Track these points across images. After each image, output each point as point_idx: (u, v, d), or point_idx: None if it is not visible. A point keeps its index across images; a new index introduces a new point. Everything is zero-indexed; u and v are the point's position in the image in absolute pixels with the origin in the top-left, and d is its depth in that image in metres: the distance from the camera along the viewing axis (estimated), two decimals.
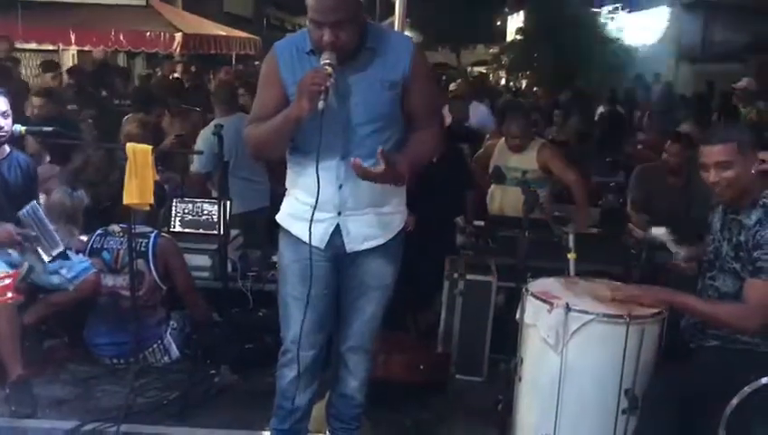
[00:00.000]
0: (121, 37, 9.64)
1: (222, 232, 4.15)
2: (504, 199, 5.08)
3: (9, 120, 3.66)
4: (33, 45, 10.62)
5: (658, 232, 3.39)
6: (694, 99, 8.80)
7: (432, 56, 20.70)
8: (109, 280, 4.00)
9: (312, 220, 2.58)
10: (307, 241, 2.61)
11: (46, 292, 3.85)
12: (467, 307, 4.02)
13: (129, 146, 3.50)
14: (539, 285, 3.04)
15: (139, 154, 3.46)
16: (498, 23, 22.16)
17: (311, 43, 2.52)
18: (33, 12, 9.78)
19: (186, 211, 4.72)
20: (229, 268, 4.27)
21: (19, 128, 3.69)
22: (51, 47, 10.78)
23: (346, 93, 2.54)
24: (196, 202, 4.73)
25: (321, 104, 2.39)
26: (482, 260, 4.27)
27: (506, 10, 22.00)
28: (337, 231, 2.68)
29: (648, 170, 5.10)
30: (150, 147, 3.52)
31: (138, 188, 3.44)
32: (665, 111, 7.92)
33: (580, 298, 2.88)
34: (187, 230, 4.64)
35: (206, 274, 4.41)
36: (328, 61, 2.41)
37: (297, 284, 2.71)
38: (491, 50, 21.22)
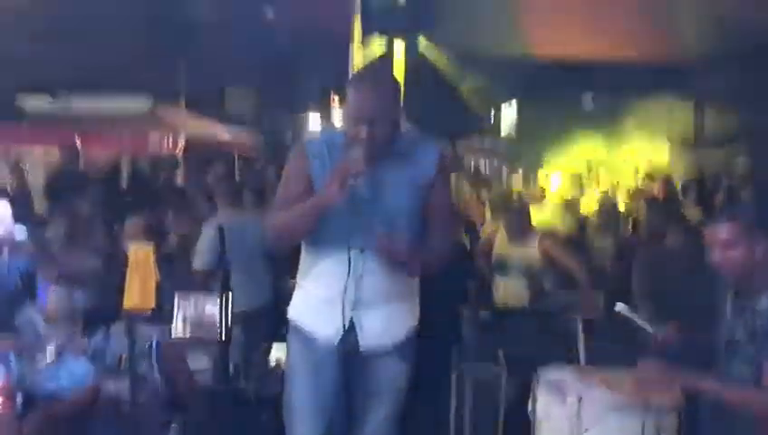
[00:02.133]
0: (124, 142, 9.83)
1: (223, 332, 4.11)
2: (509, 290, 5.06)
3: (10, 223, 3.68)
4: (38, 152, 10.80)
5: (621, 308, 3.32)
6: (693, 184, 8.88)
7: None
8: (110, 385, 3.90)
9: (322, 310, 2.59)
10: (320, 336, 2.58)
11: (44, 401, 3.75)
12: (477, 399, 3.92)
13: (131, 247, 3.50)
14: (550, 375, 2.97)
15: (140, 256, 3.46)
16: (493, 113, 22.55)
17: (344, 139, 2.59)
18: (41, 120, 10.01)
19: (187, 310, 4.68)
20: (231, 370, 4.20)
21: (21, 233, 3.70)
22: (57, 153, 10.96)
23: (374, 189, 2.57)
24: (199, 298, 4.69)
25: (353, 183, 2.45)
26: (490, 351, 4.20)
27: (500, 101, 22.43)
28: (351, 327, 2.62)
29: (651, 260, 5.07)
30: (152, 248, 3.51)
31: (139, 291, 3.41)
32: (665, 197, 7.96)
33: (594, 388, 2.80)
34: (189, 333, 4.60)
35: (207, 375, 4.33)
36: (360, 154, 2.47)
37: (307, 384, 2.64)
38: (486, 140, 21.53)
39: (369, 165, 2.47)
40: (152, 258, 3.46)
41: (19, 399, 3.55)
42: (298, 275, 2.76)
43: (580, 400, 2.68)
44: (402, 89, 2.65)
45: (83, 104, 10.13)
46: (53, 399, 3.72)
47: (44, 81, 9.98)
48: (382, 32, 4.38)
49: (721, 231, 2.73)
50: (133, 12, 9.32)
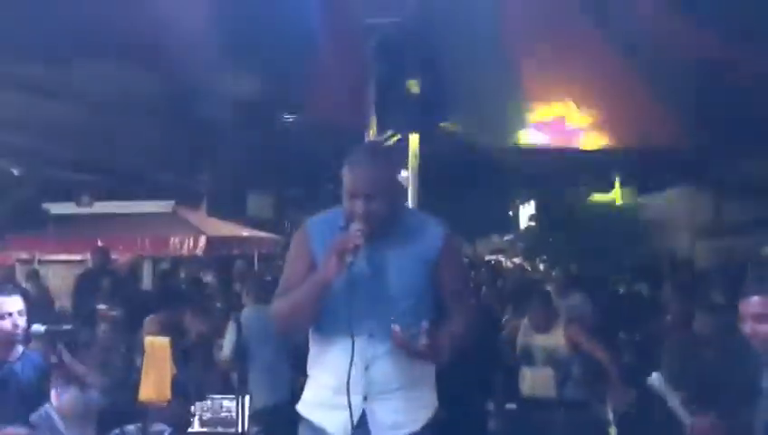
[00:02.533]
0: (147, 243, 9.94)
1: (241, 430, 4.01)
2: (535, 380, 4.90)
3: (24, 319, 3.65)
4: (63, 257, 10.95)
5: (655, 379, 3.18)
6: (718, 271, 8.73)
7: None
8: None
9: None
10: (331, 431, 2.45)
11: None
12: None
13: (148, 339, 3.46)
14: None
15: (157, 348, 3.41)
16: (510, 212, 22.69)
17: (343, 219, 2.53)
18: (65, 224, 10.18)
19: (205, 409, 4.60)
20: None
21: (39, 328, 3.68)
22: (79, 258, 11.10)
23: (378, 268, 2.49)
24: (216, 399, 4.62)
25: (349, 258, 2.36)
26: None
27: (517, 201, 22.62)
28: (363, 419, 2.47)
29: (679, 344, 4.93)
30: (168, 340, 3.47)
31: (154, 384, 3.35)
32: (689, 284, 7.81)
33: None
34: (205, 430, 4.51)
35: None
36: (359, 227, 2.42)
37: None
38: (505, 238, 21.55)
39: (367, 240, 2.41)
40: (168, 351, 3.40)
41: None
42: (308, 366, 2.66)
43: None
44: (407, 175, 2.67)
45: (107, 209, 10.33)
46: None
47: (69, 187, 10.22)
48: (397, 128, 4.43)
49: (754, 304, 2.69)
50: (156, 115, 9.60)
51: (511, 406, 4.57)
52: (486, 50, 4.07)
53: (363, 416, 2.46)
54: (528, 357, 4.89)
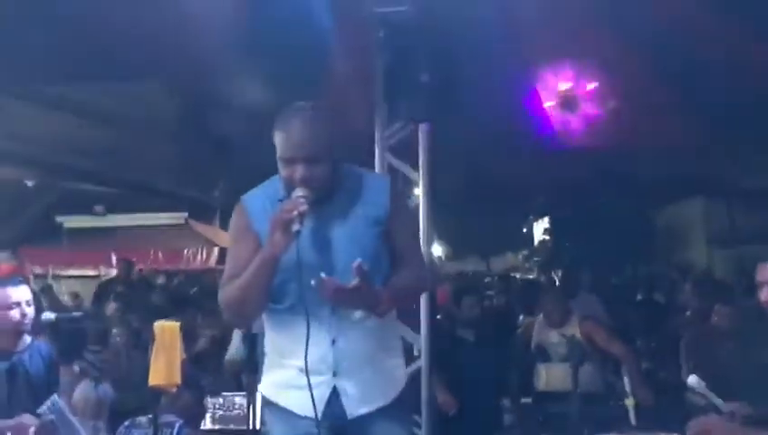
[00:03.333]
0: (160, 256, 9.98)
1: (252, 427, 3.96)
2: (551, 376, 4.83)
3: (32, 309, 3.63)
4: (74, 272, 10.98)
5: (694, 381, 3.12)
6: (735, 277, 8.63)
7: (463, 265, 20.95)
8: None
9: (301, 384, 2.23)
10: (301, 412, 2.29)
11: None
12: None
13: (158, 324, 3.42)
14: None
15: (167, 332, 3.37)
16: (524, 229, 22.59)
17: (282, 188, 2.33)
18: (78, 237, 10.24)
19: (217, 406, 4.56)
20: None
21: (49, 316, 3.66)
22: (92, 272, 11.15)
23: (327, 236, 2.32)
24: (227, 396, 4.58)
25: (295, 226, 2.16)
26: None
27: (531, 217, 22.53)
28: (335, 396, 2.31)
29: (699, 337, 4.86)
30: (178, 324, 3.43)
31: (165, 368, 3.30)
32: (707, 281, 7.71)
33: None
34: (218, 427, 4.46)
35: None
36: (301, 193, 2.24)
37: None
38: (520, 255, 21.45)
39: (311, 207, 2.23)
40: (178, 335, 3.36)
41: None
42: (265, 348, 2.45)
43: None
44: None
45: (120, 221, 10.38)
46: None
47: (83, 199, 10.27)
48: (407, 118, 4.38)
49: None
50: (169, 129, 9.65)
51: (526, 400, 4.50)
52: (497, 38, 4.06)
53: (335, 393, 2.31)
54: (543, 354, 4.81)
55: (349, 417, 2.31)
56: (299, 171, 2.25)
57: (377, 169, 4.36)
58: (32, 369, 3.64)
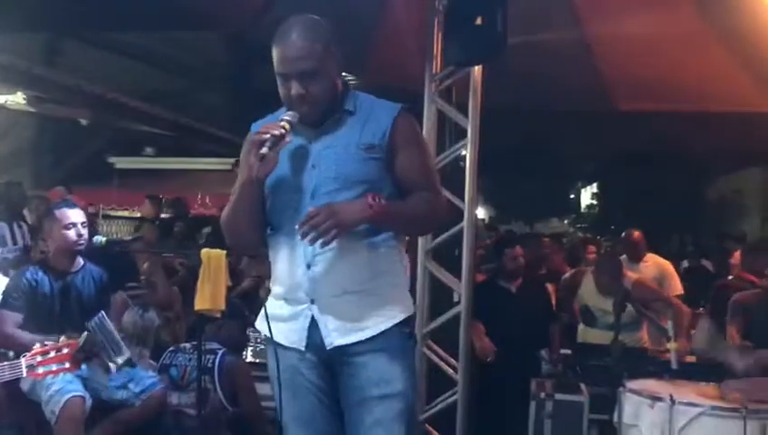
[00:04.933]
0: (207, 200, 10.14)
1: None
2: (595, 337, 4.77)
3: (86, 231, 3.73)
4: (125, 213, 11.24)
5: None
6: None
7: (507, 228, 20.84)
8: (174, 398, 3.86)
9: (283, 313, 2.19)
10: (287, 343, 2.19)
11: (112, 409, 3.72)
12: (557, 430, 3.64)
13: (204, 251, 3.49)
14: (637, 383, 2.73)
15: (213, 259, 3.44)
16: (572, 196, 22.35)
17: (284, 106, 2.20)
18: (129, 178, 10.44)
19: (258, 340, 4.63)
20: None
21: (100, 239, 3.77)
22: (139, 214, 11.38)
23: (315, 160, 2.19)
24: None
25: (263, 150, 2.05)
26: (571, 381, 3.94)
27: (579, 184, 22.25)
28: (314, 325, 2.18)
29: (745, 298, 4.75)
30: (224, 252, 3.49)
31: (210, 293, 3.39)
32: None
33: (686, 394, 2.56)
34: (259, 361, 4.53)
35: (274, 404, 4.20)
36: (287, 117, 2.13)
37: (289, 399, 2.22)
38: (565, 220, 21.24)
39: (307, 128, 2.15)
40: (224, 262, 3.43)
41: (89, 403, 3.52)
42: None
43: (672, 401, 2.43)
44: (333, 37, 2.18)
45: (170, 164, 10.54)
46: (121, 405, 3.69)
47: (135, 141, 10.45)
48: (460, 59, 4.32)
49: None
50: (221, 77, 9.74)
51: (566, 352, 4.48)
52: None
53: (314, 322, 2.18)
54: (590, 319, 4.75)
55: (327, 347, 2.17)
56: (295, 87, 2.12)
57: (425, 115, 4.33)
58: (84, 290, 3.77)
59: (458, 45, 4.16)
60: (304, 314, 2.17)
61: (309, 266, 2.14)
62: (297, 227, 2.05)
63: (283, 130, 2.08)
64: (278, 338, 2.22)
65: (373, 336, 2.16)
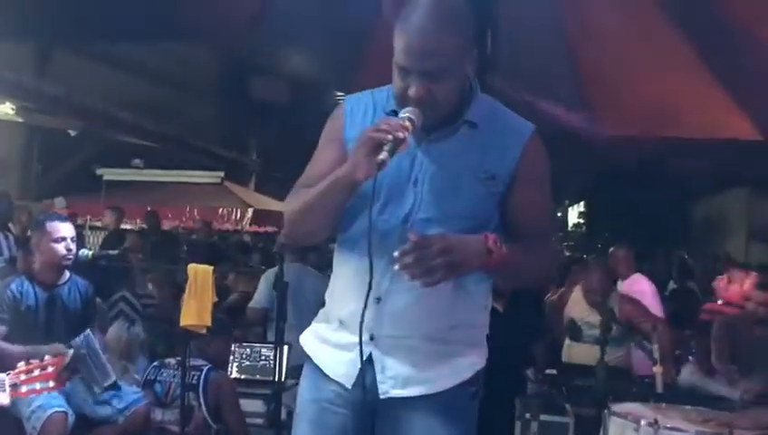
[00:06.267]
0: (195, 213, 10.11)
1: (278, 378, 4.00)
2: (580, 355, 4.78)
3: (75, 245, 3.73)
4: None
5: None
6: None
7: None
8: (158, 414, 3.82)
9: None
10: (332, 374, 1.88)
11: (96, 425, 3.69)
12: None
13: (191, 266, 3.48)
14: (622, 407, 2.74)
15: (200, 275, 3.44)
16: (559, 214, 22.51)
17: (395, 100, 1.83)
18: (116, 190, 10.41)
19: (243, 356, 4.61)
20: (284, 416, 4.06)
21: (86, 252, 3.75)
22: (128, 226, 11.34)
23: (419, 175, 1.81)
24: (255, 346, 4.63)
25: (383, 155, 1.67)
26: (556, 401, 3.94)
27: (566, 202, 22.42)
28: (369, 364, 1.83)
29: (730, 319, 4.80)
30: (211, 268, 3.49)
31: (196, 309, 3.38)
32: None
33: (671, 418, 2.57)
34: (243, 377, 4.52)
35: (259, 420, 4.19)
36: (408, 115, 1.73)
37: (309, 432, 1.92)
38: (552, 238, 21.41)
39: (420, 134, 1.78)
40: (211, 278, 3.43)
41: (71, 419, 3.49)
42: (327, 291, 2.03)
43: (657, 425, 2.45)
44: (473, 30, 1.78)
45: (158, 176, 10.52)
46: (105, 422, 3.66)
47: (123, 153, 10.43)
48: None
49: None
50: (210, 89, 9.77)
51: (551, 371, 4.47)
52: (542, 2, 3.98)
53: (369, 360, 1.83)
54: (576, 333, 4.76)
55: (381, 395, 1.83)
56: (414, 87, 1.73)
57: None
58: (69, 302, 3.76)
59: None
60: (360, 349, 1.80)
61: (379, 300, 1.80)
62: (396, 254, 1.65)
63: (405, 133, 1.70)
64: (322, 365, 1.91)
65: (436, 393, 1.83)
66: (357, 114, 1.89)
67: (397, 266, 1.67)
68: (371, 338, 1.81)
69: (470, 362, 1.87)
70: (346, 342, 1.84)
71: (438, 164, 1.80)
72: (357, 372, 1.83)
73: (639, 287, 6.00)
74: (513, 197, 1.81)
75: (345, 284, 1.87)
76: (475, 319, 1.90)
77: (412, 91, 1.73)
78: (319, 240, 2.03)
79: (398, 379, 1.82)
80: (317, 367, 1.91)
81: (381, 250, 1.74)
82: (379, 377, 1.82)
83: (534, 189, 1.83)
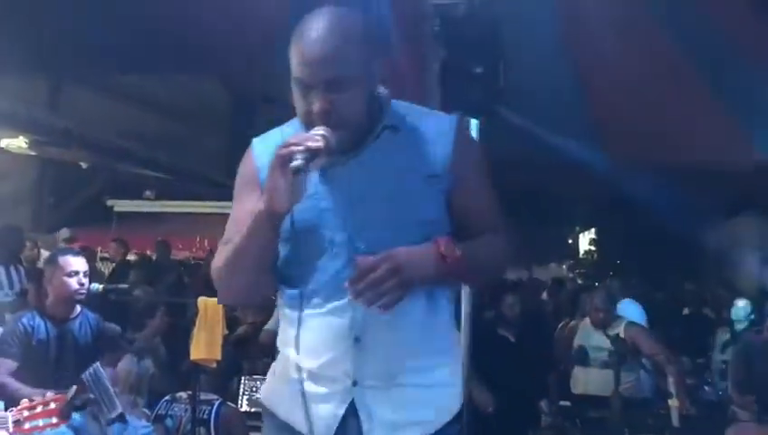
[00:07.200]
0: (206, 244, 10.14)
1: None
2: (589, 381, 4.74)
3: (87, 280, 3.73)
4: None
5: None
6: None
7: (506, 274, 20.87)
8: None
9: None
10: (302, 430, 1.67)
11: None
12: None
13: (201, 300, 3.47)
14: None
15: (210, 308, 3.42)
16: (570, 241, 22.42)
17: (300, 124, 1.67)
18: (127, 221, 10.46)
19: (254, 389, 4.58)
20: None
21: (97, 286, 3.75)
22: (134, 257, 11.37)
23: (359, 193, 1.65)
24: (263, 379, 4.59)
25: (297, 162, 1.51)
26: (571, 434, 3.89)
27: (577, 229, 22.37)
28: (352, 413, 1.66)
29: (751, 348, 4.74)
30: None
31: (206, 343, 3.36)
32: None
33: None
34: (254, 410, 4.48)
35: None
36: (323, 131, 1.58)
37: None
38: (563, 266, 21.25)
39: (336, 152, 1.61)
40: (221, 312, 3.41)
41: None
42: (278, 341, 1.81)
43: None
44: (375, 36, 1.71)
45: (168, 208, 10.57)
46: None
47: (134, 184, 10.49)
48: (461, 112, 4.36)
49: None
50: (220, 120, 9.83)
51: (565, 404, 4.44)
52: (553, 34, 4.01)
53: (353, 409, 1.66)
54: (583, 358, 4.73)
55: None
56: (318, 102, 1.60)
57: None
58: (80, 337, 3.75)
59: (459, 95, 4.20)
60: (341, 397, 1.65)
61: (357, 339, 1.64)
62: (347, 284, 1.55)
63: (321, 143, 1.56)
64: (291, 421, 1.70)
65: (432, 433, 1.69)
66: (267, 154, 1.68)
67: (349, 296, 1.57)
68: (354, 384, 1.66)
69: (453, 397, 1.75)
70: (322, 393, 1.67)
71: (374, 174, 1.66)
72: (337, 423, 1.66)
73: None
74: (456, 190, 1.69)
75: (310, 336, 1.68)
76: (448, 342, 1.77)
77: (315, 107, 1.60)
78: (256, 298, 1.91)
79: (385, 426, 1.66)
80: (282, 424, 1.72)
81: (341, 286, 1.60)
82: (364, 425, 1.65)
83: (475, 180, 1.73)
